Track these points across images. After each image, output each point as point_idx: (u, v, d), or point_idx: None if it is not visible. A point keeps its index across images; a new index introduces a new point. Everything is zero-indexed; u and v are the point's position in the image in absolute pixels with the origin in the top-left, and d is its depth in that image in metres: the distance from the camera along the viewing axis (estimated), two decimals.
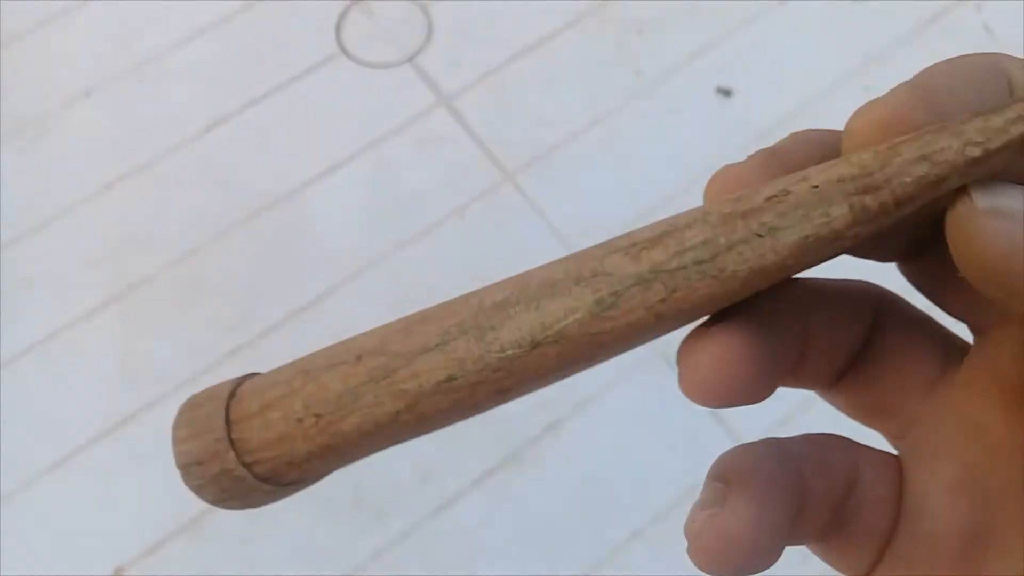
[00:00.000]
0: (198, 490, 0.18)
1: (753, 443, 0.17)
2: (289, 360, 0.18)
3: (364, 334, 0.18)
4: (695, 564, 0.16)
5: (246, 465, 0.18)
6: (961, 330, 0.18)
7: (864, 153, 0.15)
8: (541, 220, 0.76)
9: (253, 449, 0.17)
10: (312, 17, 0.86)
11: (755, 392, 0.16)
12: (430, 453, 0.68)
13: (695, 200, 0.18)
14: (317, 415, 0.17)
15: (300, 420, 0.17)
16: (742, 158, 0.16)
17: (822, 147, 0.16)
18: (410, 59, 0.83)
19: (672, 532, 0.63)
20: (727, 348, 0.16)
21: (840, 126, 0.16)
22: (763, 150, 0.17)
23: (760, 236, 0.15)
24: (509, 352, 0.16)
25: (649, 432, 0.66)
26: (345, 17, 0.86)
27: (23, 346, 0.74)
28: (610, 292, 0.16)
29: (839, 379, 0.18)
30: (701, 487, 0.17)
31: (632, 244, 0.16)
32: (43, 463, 0.70)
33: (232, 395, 0.18)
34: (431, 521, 0.67)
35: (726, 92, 0.79)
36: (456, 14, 0.85)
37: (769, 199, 0.15)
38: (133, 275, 0.77)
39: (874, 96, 0.15)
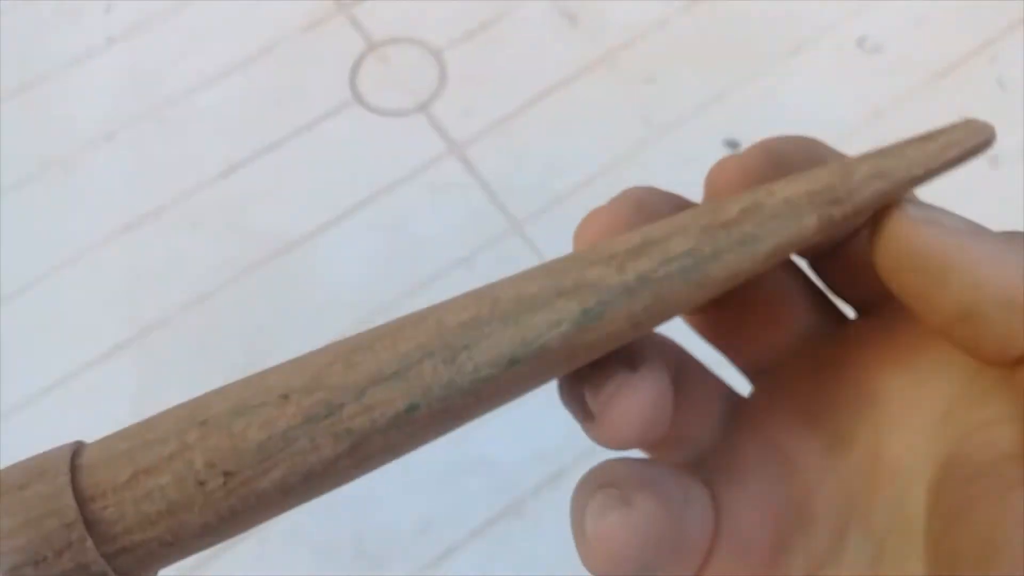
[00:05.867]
0: None
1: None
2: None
3: (274, 369, 0.15)
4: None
5: (107, 556, 0.13)
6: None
7: (821, 171, 0.16)
8: None
9: (121, 532, 0.14)
10: (328, 63, 0.88)
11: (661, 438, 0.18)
12: (430, 503, 0.69)
13: None
14: (227, 473, 0.14)
15: (202, 483, 0.14)
16: None
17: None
18: (423, 107, 0.85)
19: None
20: (656, 403, 0.17)
21: None
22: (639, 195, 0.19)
23: (742, 244, 0.16)
24: (484, 372, 0.15)
25: None
26: (360, 64, 0.87)
27: (41, 386, 0.75)
28: (597, 302, 0.16)
29: None
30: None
31: (612, 255, 0.16)
32: None
33: (75, 466, 0.14)
34: (432, 570, 0.67)
35: (733, 144, 0.80)
36: (469, 62, 0.87)
37: (743, 211, 0.16)
38: (149, 317, 0.78)
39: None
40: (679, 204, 0.19)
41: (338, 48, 0.88)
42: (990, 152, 0.79)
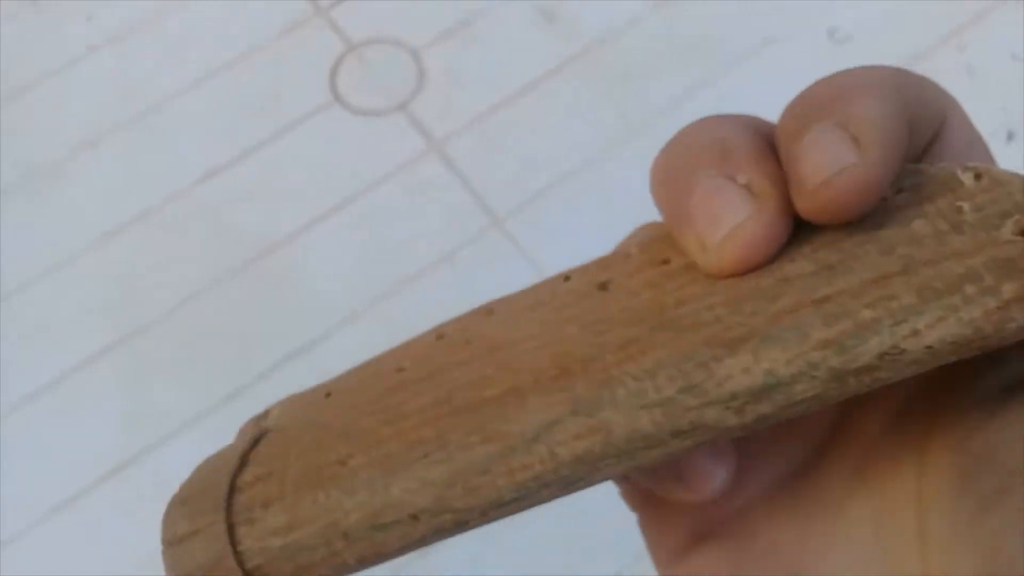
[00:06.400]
0: None
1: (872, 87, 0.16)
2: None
3: (388, 465, 0.16)
4: (812, 210, 0.16)
5: None
6: None
7: (975, 311, 0.14)
8: (530, 265, 0.78)
9: None
10: (308, 65, 0.89)
11: None
12: None
13: None
14: (375, 561, 0.17)
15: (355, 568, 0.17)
16: None
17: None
18: (402, 106, 0.86)
19: (650, 570, 0.64)
20: None
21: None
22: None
23: (871, 386, 0.15)
24: (597, 483, 0.16)
25: None
26: (340, 65, 0.88)
27: (29, 391, 0.76)
28: (713, 438, 0.15)
29: None
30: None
31: (732, 395, 0.15)
32: (47, 505, 0.72)
33: (239, 553, 0.17)
34: (419, 562, 0.68)
35: None
36: (447, 61, 0.88)
37: (882, 357, 0.14)
38: (134, 321, 0.79)
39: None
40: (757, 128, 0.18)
41: (317, 50, 0.89)
42: None
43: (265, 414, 0.21)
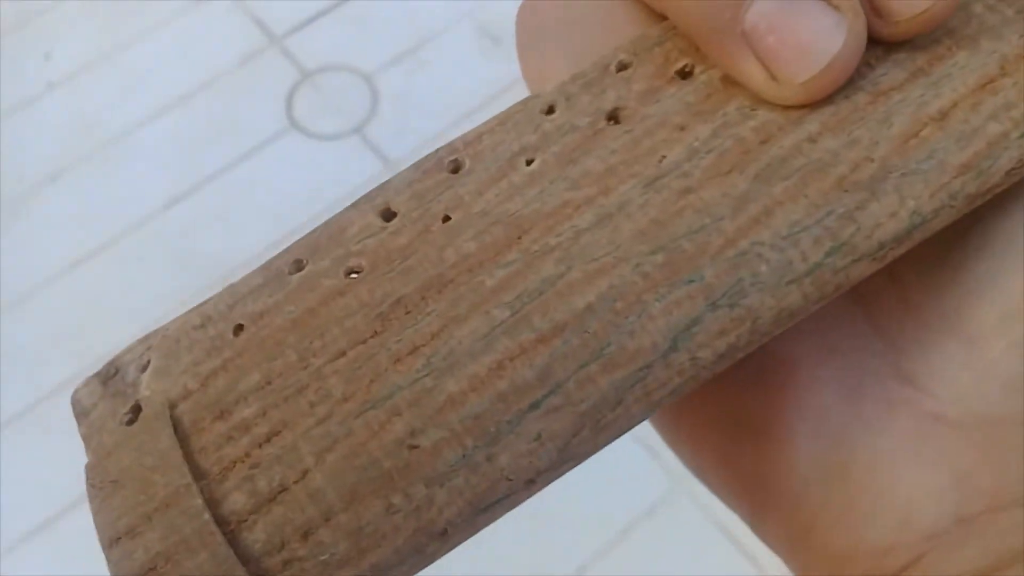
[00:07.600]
0: None
1: None
2: None
3: (492, 438, 0.13)
4: (900, 35, 0.14)
5: None
6: None
7: None
8: None
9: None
10: (265, 93, 0.91)
11: None
12: None
13: None
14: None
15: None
16: None
17: None
18: (358, 129, 0.88)
19: (612, 568, 0.66)
20: None
21: None
22: None
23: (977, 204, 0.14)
24: None
25: (588, 470, 0.70)
26: (295, 92, 0.91)
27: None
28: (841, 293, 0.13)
29: None
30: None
31: (880, 247, 0.13)
32: (21, 531, 0.73)
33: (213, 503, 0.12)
34: None
35: None
36: (399, 85, 0.90)
37: (1009, 172, 0.13)
38: (102, 349, 0.81)
39: None
40: None
41: (273, 79, 0.91)
42: None
43: (113, 373, 0.15)
